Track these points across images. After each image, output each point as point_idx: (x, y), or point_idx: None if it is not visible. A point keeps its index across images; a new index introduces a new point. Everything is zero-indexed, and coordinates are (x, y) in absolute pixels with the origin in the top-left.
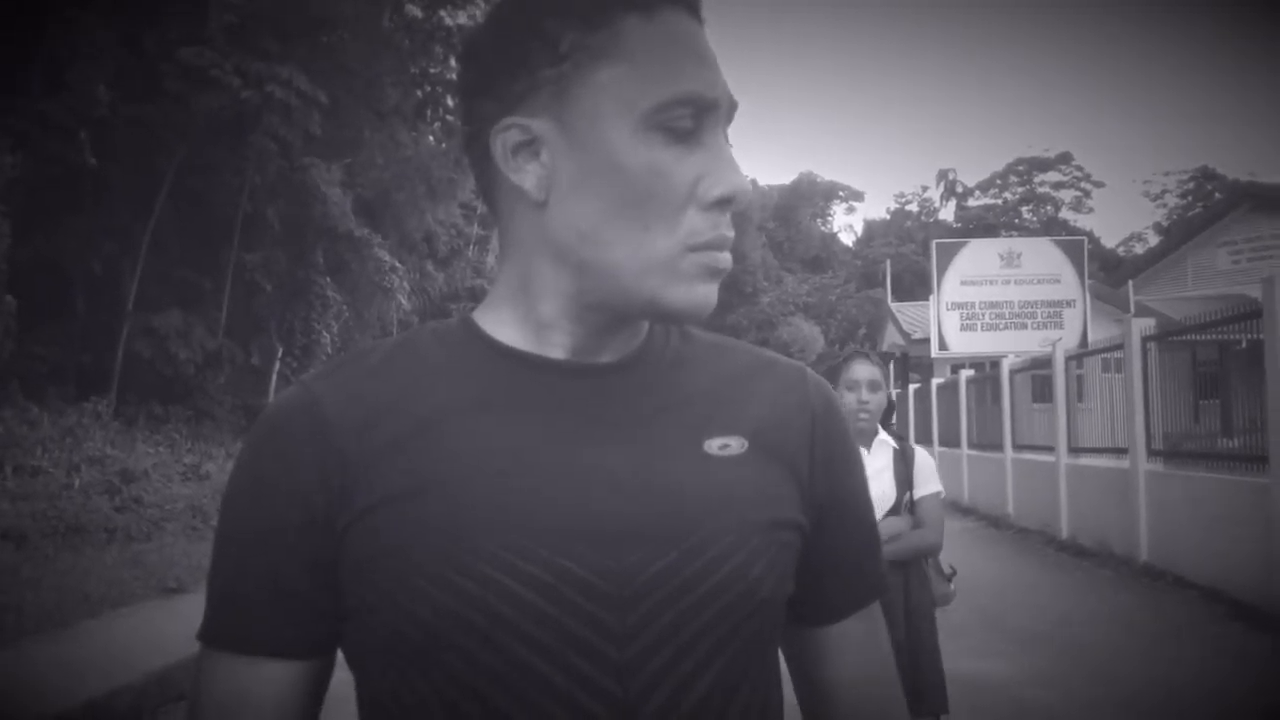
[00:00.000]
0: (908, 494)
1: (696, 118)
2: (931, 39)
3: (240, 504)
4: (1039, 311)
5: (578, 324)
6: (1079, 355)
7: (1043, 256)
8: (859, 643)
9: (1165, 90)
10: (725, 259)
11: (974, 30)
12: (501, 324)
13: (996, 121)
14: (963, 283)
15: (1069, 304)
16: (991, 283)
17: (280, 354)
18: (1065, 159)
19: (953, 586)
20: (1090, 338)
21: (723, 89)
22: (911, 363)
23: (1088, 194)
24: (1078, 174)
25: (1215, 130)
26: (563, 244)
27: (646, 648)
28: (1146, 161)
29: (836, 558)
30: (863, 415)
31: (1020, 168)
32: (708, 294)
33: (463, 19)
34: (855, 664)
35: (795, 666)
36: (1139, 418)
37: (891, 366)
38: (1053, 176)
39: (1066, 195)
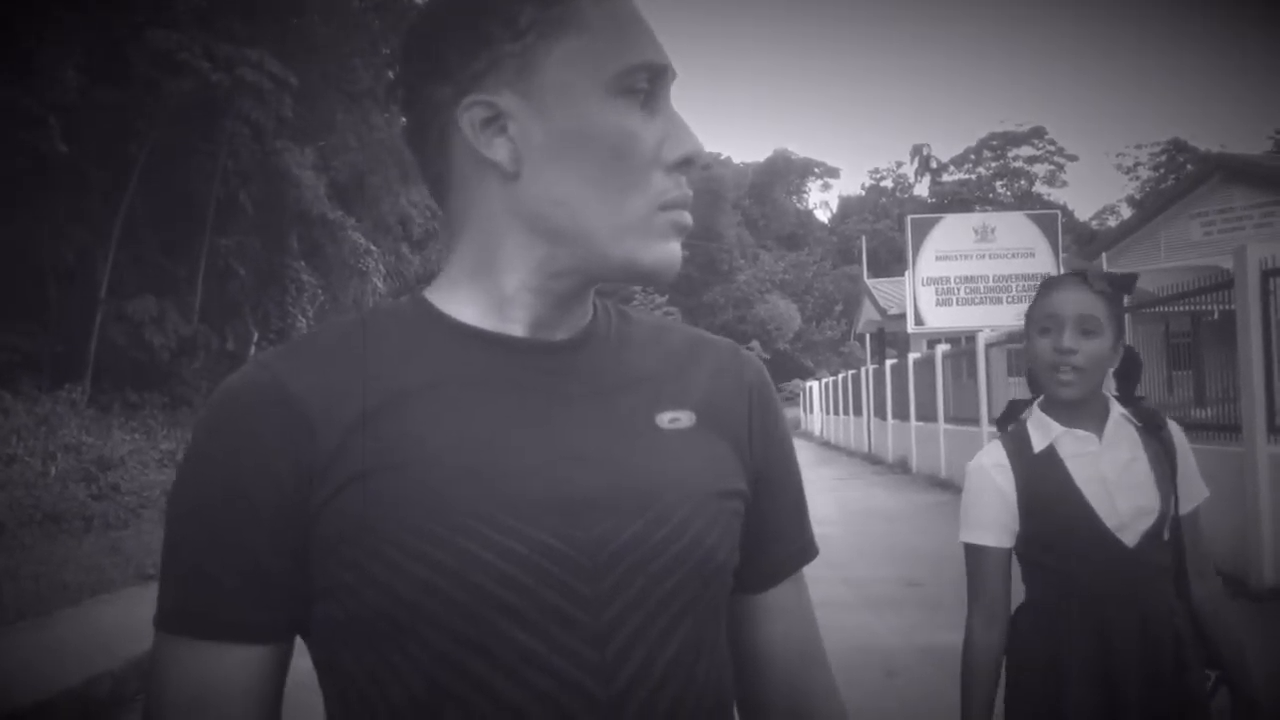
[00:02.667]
0: (1172, 503)
1: (652, 83)
2: (906, 15)
3: (206, 483)
4: (1014, 285)
5: (540, 296)
6: None
7: (1017, 231)
8: (790, 608)
9: (1137, 63)
10: (689, 217)
11: (948, 6)
12: (460, 303)
13: (970, 96)
14: (938, 258)
15: (1043, 277)
16: (966, 257)
17: (256, 339)
18: (1038, 133)
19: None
20: None
21: (667, 57)
22: (888, 338)
23: (1061, 168)
24: (1051, 148)
25: (1186, 103)
26: (536, 213)
27: (619, 614)
28: (1119, 135)
29: (772, 525)
30: (1063, 373)
31: (994, 142)
32: (676, 251)
33: None
34: (787, 628)
35: (730, 632)
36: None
37: (1123, 304)
38: (1026, 151)
39: (1040, 169)
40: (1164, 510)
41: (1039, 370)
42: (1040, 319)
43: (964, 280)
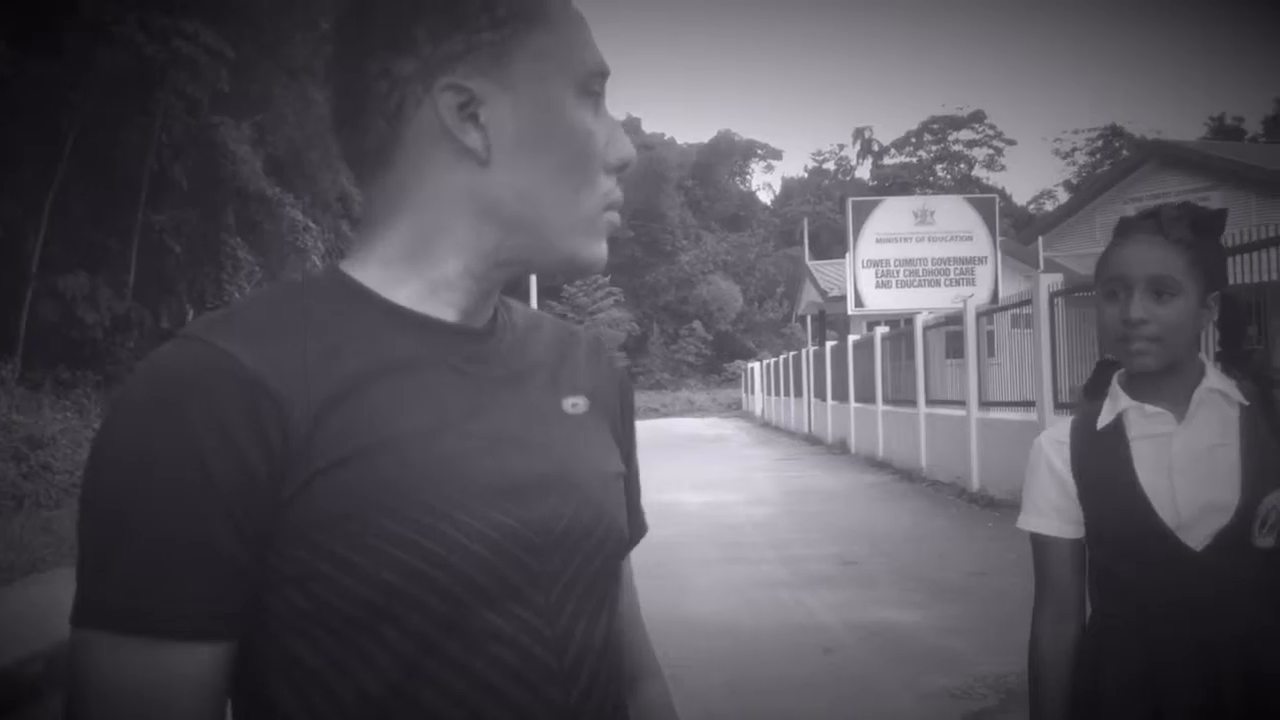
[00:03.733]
0: (1275, 504)
1: (600, 87)
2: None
3: (156, 467)
4: (952, 268)
5: (478, 283)
6: (990, 311)
7: (956, 214)
8: (628, 577)
9: (1074, 49)
10: (619, 221)
11: None
12: (392, 282)
13: (912, 80)
14: (878, 240)
15: (981, 261)
16: (906, 240)
17: (191, 316)
18: (978, 117)
19: None
20: (1001, 294)
21: None
22: (829, 320)
23: (1000, 152)
24: (990, 132)
25: (1123, 89)
26: (497, 201)
27: (563, 590)
28: (1057, 120)
29: (631, 506)
30: (1135, 344)
31: (935, 126)
32: (605, 251)
33: None
34: (627, 596)
35: None
36: (1046, 371)
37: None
38: (966, 135)
39: (979, 153)
40: (1246, 509)
41: (1108, 341)
42: (1107, 279)
43: (903, 263)
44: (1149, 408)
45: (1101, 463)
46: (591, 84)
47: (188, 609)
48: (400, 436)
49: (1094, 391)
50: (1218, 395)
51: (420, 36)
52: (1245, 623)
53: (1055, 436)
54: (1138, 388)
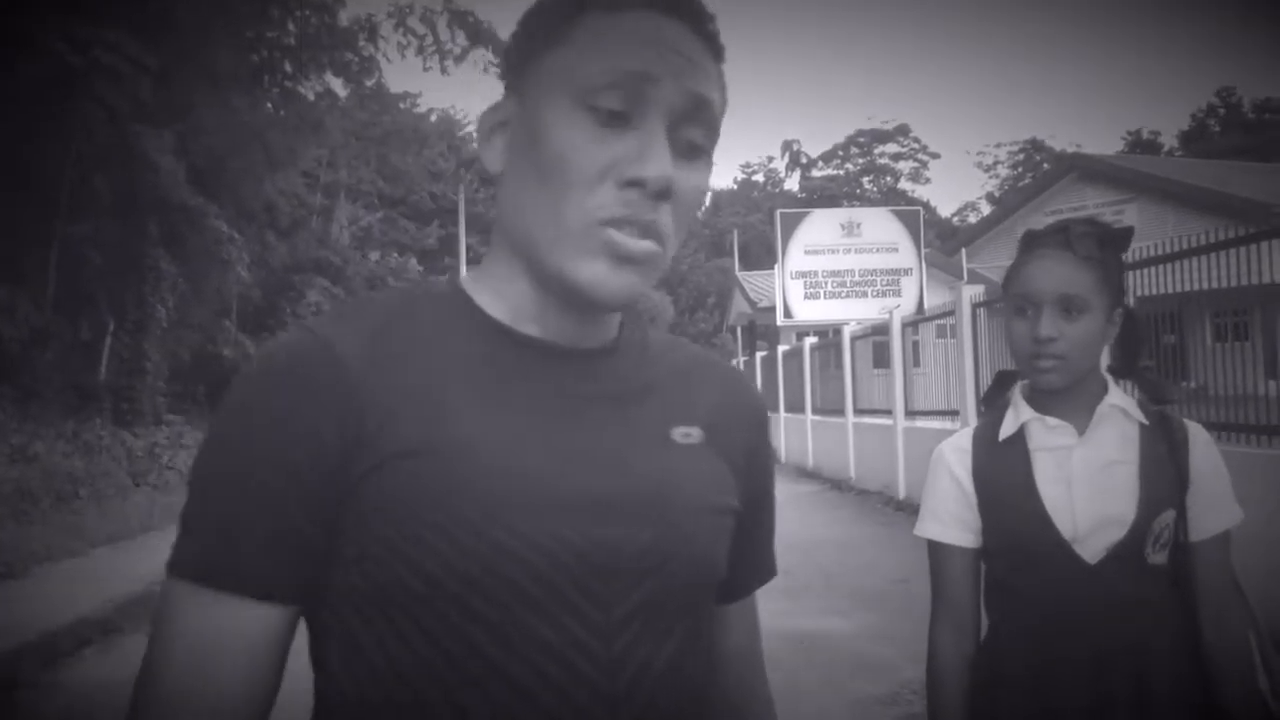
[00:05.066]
0: (1168, 523)
1: (629, 100)
2: (778, 13)
3: (246, 438)
4: (878, 279)
5: (537, 304)
6: (915, 321)
7: (882, 226)
8: (746, 619)
9: (996, 65)
10: (634, 245)
11: (818, 6)
12: (492, 297)
13: (839, 94)
14: (806, 252)
15: (906, 272)
16: (834, 251)
17: (112, 329)
18: (903, 131)
19: None
20: (926, 304)
21: (666, 73)
22: (759, 331)
23: (925, 165)
24: (915, 146)
25: (1044, 104)
26: (505, 217)
27: (628, 613)
28: (980, 134)
29: (748, 545)
30: (1044, 363)
31: (861, 139)
32: (610, 275)
33: None
34: (741, 638)
35: None
36: (969, 381)
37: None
38: (892, 148)
39: (905, 166)
40: (1140, 525)
41: (1017, 358)
42: (1015, 295)
43: (831, 274)
44: (1051, 420)
45: (1002, 472)
46: (598, 97)
47: (250, 570)
48: (472, 441)
49: (991, 402)
50: (1119, 412)
51: (504, 62)
52: (1136, 637)
53: (957, 444)
54: (1041, 400)
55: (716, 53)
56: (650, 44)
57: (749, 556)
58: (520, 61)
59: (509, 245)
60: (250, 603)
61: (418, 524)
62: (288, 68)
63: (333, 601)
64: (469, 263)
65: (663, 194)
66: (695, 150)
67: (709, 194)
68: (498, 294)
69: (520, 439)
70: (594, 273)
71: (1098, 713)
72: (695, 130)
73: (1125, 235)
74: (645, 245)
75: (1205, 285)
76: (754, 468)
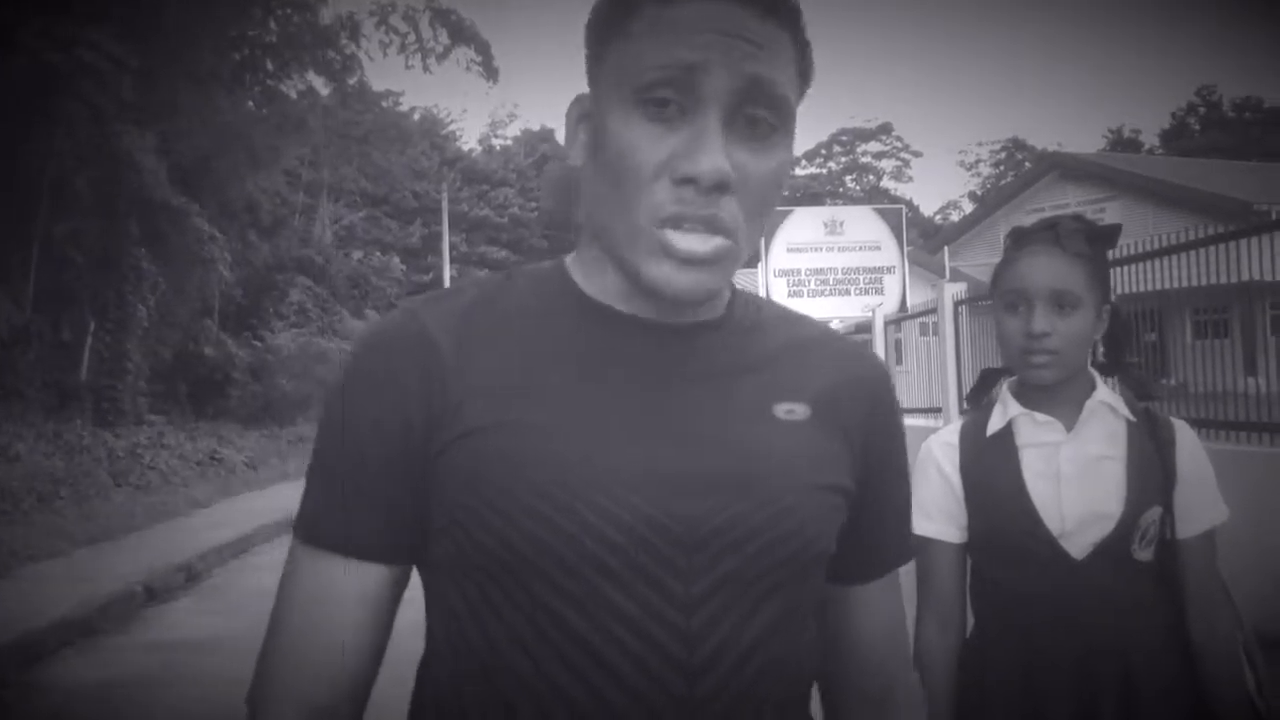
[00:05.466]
0: (1155, 519)
1: (681, 92)
2: None
3: (343, 410)
4: (861, 278)
5: (628, 288)
6: (897, 319)
7: (864, 224)
8: (881, 603)
9: (979, 63)
10: (694, 245)
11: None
12: (591, 277)
13: (823, 93)
14: (789, 250)
15: (889, 270)
16: (816, 250)
17: (93, 328)
18: (886, 129)
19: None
20: (909, 303)
21: (718, 60)
22: None
23: (907, 164)
24: (898, 144)
25: (1026, 103)
26: (588, 209)
27: (710, 587)
28: (962, 132)
29: (875, 526)
30: (1036, 357)
31: (844, 138)
32: (676, 274)
33: None
34: (876, 622)
35: (819, 620)
36: (951, 378)
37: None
38: (874, 147)
39: (887, 165)
40: (1127, 521)
41: (1008, 353)
42: (1006, 292)
43: (814, 272)
44: (1039, 416)
45: (990, 468)
46: (649, 94)
47: (348, 532)
48: (552, 413)
49: (976, 400)
50: (1107, 408)
51: (586, 53)
52: (1122, 634)
53: (944, 439)
54: (1029, 396)
55: (785, 22)
56: (700, 30)
57: (874, 536)
58: (593, 55)
59: (594, 235)
60: (352, 562)
61: (491, 496)
62: (270, 66)
63: (432, 568)
64: (452, 261)
65: (719, 187)
66: (764, 130)
67: (791, 166)
68: (592, 276)
69: (602, 413)
70: (660, 273)
71: (1084, 708)
72: (759, 110)
73: (1113, 232)
74: (709, 244)
75: (1185, 283)
76: (873, 445)
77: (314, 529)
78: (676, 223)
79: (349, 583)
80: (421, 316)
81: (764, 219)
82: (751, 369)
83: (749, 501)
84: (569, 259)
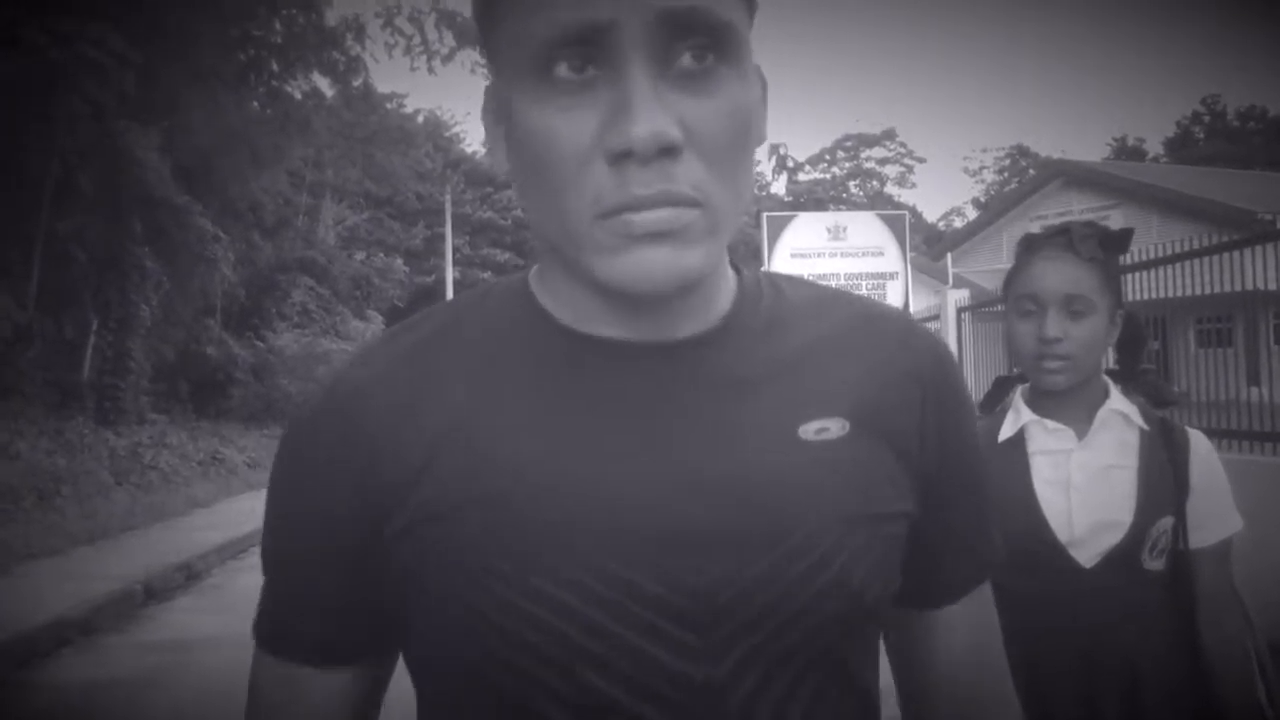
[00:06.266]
0: (1166, 529)
1: (593, 49)
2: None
3: (274, 506)
4: (864, 283)
5: (599, 302)
6: None
7: (868, 230)
8: (967, 627)
9: (983, 69)
10: (650, 219)
11: (805, 9)
12: (555, 294)
13: (827, 98)
14: (792, 255)
15: (892, 276)
16: (820, 255)
17: (95, 327)
18: (890, 135)
19: None
20: (912, 309)
21: (625, 6)
22: None
23: (911, 169)
24: (901, 150)
25: (1030, 109)
26: (529, 218)
27: (735, 670)
28: (966, 138)
29: (947, 536)
30: (1049, 363)
31: (848, 144)
32: (641, 261)
33: None
34: (962, 650)
35: (894, 652)
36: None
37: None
38: (879, 152)
39: (891, 170)
40: (1138, 530)
41: (1021, 359)
42: (1019, 297)
43: (817, 277)
44: (1050, 423)
45: (1000, 474)
46: (550, 62)
47: (301, 638)
48: (516, 478)
49: (990, 407)
50: (1119, 417)
51: (479, 25)
52: (1128, 644)
53: None
54: (1041, 403)
55: None
56: None
57: (951, 554)
58: (483, 23)
59: (546, 244)
60: (308, 669)
61: (460, 590)
62: (274, 66)
63: (411, 662)
64: (455, 263)
65: (665, 152)
66: (708, 69)
67: (760, 103)
68: (559, 293)
69: (585, 466)
70: (625, 268)
71: (1090, 715)
72: (695, 46)
73: (1125, 237)
74: (660, 216)
75: (1189, 292)
76: (937, 446)
77: (265, 634)
78: (630, 206)
79: (313, 688)
80: (352, 381)
81: (740, 174)
82: (768, 380)
83: (778, 553)
84: (533, 273)
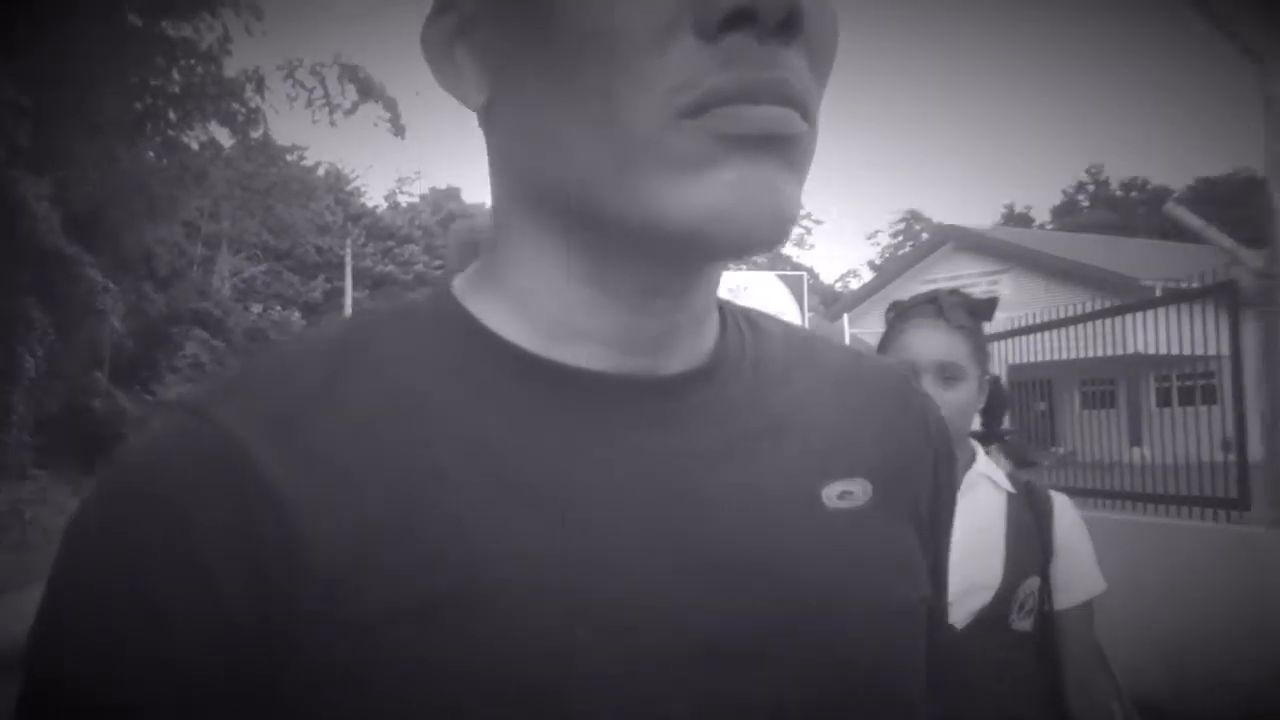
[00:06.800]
0: (1033, 590)
1: None
2: None
3: (112, 596)
4: None
5: (588, 304)
6: None
7: (767, 289)
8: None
9: (878, 136)
10: (763, 115)
11: None
12: (505, 308)
13: None
14: None
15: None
16: None
17: None
18: None
19: None
20: None
21: None
22: None
23: (809, 231)
24: (800, 213)
25: (923, 175)
26: (517, 168)
27: None
28: (862, 203)
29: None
30: None
31: None
32: (743, 180)
33: (187, 31)
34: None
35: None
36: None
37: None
38: None
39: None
40: (1005, 591)
41: None
42: (898, 361)
43: None
44: None
45: None
46: None
47: None
48: (474, 575)
49: None
50: (986, 480)
51: None
52: (1001, 703)
53: None
54: None
55: None
56: None
57: (931, 641)
58: None
59: (528, 212)
60: None
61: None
62: (172, 116)
63: None
64: None
65: (788, 23)
66: None
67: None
68: (516, 303)
69: (560, 550)
70: (715, 191)
71: None
72: None
73: (991, 305)
74: (782, 115)
75: (1075, 354)
76: (943, 518)
77: None
78: (741, 94)
79: None
80: (224, 423)
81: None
82: (780, 434)
83: (823, 665)
84: (457, 285)
